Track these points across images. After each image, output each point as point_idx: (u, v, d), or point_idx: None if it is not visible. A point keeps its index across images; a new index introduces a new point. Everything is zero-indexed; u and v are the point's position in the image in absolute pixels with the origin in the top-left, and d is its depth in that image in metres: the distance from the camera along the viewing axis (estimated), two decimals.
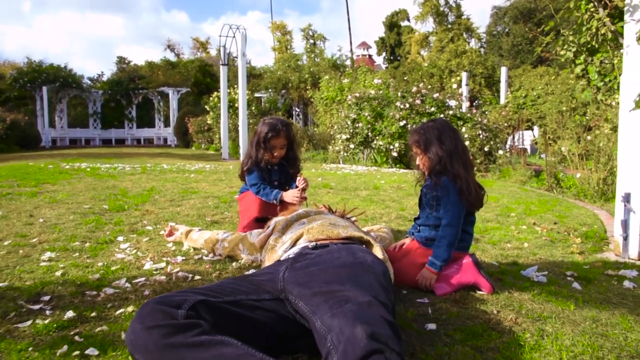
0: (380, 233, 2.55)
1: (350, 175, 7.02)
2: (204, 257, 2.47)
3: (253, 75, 20.63)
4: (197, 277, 2.14)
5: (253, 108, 14.75)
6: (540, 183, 6.33)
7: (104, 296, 1.86)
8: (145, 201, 4.20)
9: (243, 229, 2.75)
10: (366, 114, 9.31)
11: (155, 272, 2.19)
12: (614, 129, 4.66)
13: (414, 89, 9.39)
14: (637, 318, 1.76)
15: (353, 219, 2.40)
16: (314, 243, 1.76)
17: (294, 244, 1.86)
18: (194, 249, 2.62)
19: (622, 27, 2.79)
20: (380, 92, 9.92)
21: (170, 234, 2.82)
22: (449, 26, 33.67)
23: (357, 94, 9.92)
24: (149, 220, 3.36)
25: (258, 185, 2.81)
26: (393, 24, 37.88)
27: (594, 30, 3.02)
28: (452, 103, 9.46)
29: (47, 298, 1.82)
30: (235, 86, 13.17)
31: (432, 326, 1.63)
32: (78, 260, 2.36)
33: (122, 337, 1.47)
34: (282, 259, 1.77)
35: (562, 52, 3.34)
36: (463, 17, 34.34)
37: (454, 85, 12.32)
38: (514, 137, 10.51)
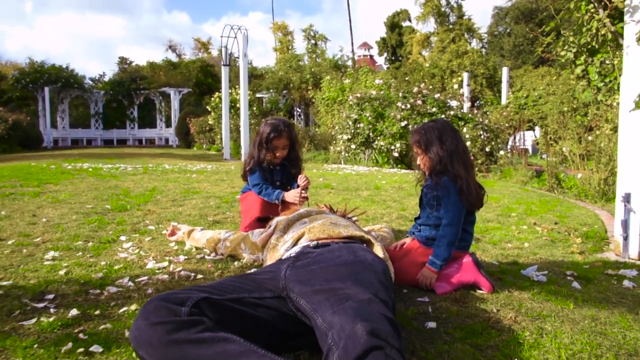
0: (381, 232, 2.57)
1: (352, 175, 7.04)
2: (206, 257, 2.49)
3: (254, 76, 20.66)
4: (199, 276, 2.16)
5: (254, 108, 14.77)
6: (542, 183, 6.34)
7: (107, 295, 1.88)
8: (147, 201, 4.22)
9: (245, 229, 2.77)
10: (367, 115, 9.33)
11: (157, 271, 2.21)
12: (615, 130, 4.67)
13: (415, 89, 9.40)
14: (636, 317, 1.77)
15: (354, 218, 2.41)
16: (315, 242, 1.78)
17: (295, 243, 1.88)
18: (196, 248, 2.64)
19: (622, 27, 2.81)
20: (382, 92, 9.94)
21: (173, 233, 2.84)
22: (451, 26, 33.68)
23: (359, 95, 9.94)
24: (151, 220, 3.38)
25: (260, 185, 2.83)
26: (394, 24, 37.90)
27: (594, 31, 3.03)
28: (454, 103, 9.47)
29: (51, 296, 1.83)
30: (237, 86, 13.21)
31: (432, 324, 1.65)
32: (81, 259, 2.38)
33: (126, 335, 1.49)
34: (283, 257, 1.78)
35: (563, 53, 3.35)
36: (464, 17, 34.35)
37: (455, 86, 12.32)
38: (515, 138, 10.52)
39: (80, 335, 1.49)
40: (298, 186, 2.78)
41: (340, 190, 5.22)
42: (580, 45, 3.23)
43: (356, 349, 1.02)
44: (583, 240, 3.13)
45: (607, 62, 3.71)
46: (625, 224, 2.76)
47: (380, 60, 38.99)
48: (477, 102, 17.37)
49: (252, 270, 2.19)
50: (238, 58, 10.90)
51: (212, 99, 15.30)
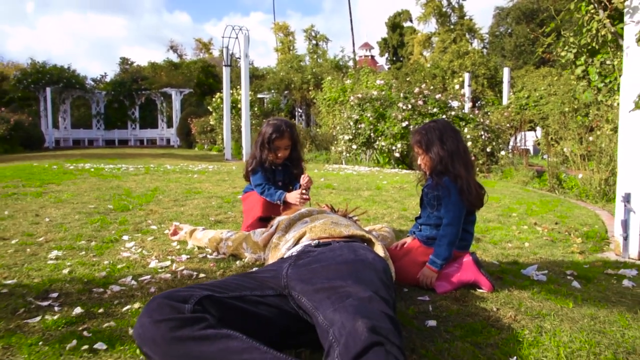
0: (382, 232, 2.58)
1: (353, 175, 7.05)
2: (208, 256, 2.50)
3: (256, 76, 20.68)
4: (201, 275, 2.17)
5: (256, 109, 14.79)
6: (542, 184, 6.35)
7: (110, 293, 1.90)
8: (149, 201, 4.24)
9: (247, 228, 2.78)
10: (368, 115, 9.34)
11: (160, 270, 2.22)
12: (615, 130, 4.68)
13: (417, 89, 9.42)
14: (635, 316, 1.78)
15: (355, 218, 2.43)
16: (316, 241, 1.80)
17: (297, 242, 1.90)
18: (198, 247, 2.66)
19: (622, 28, 2.82)
20: (383, 93, 9.95)
21: (175, 233, 2.85)
22: (452, 27, 33.68)
23: (360, 95, 9.95)
24: (153, 220, 3.40)
25: (263, 185, 2.85)
26: (395, 24, 37.90)
27: (594, 31, 3.04)
28: (455, 104, 9.48)
29: (55, 295, 1.85)
30: (238, 87, 13.22)
31: (432, 323, 1.66)
32: (84, 258, 2.40)
33: (130, 333, 1.50)
34: (285, 256, 1.80)
35: (563, 54, 3.36)
36: (465, 17, 34.34)
37: (457, 86, 12.33)
38: (516, 138, 10.52)
39: (85, 333, 1.50)
40: (300, 186, 2.80)
41: (342, 190, 5.24)
42: (580, 45, 3.25)
43: (357, 346, 1.04)
44: (583, 240, 3.14)
45: (608, 62, 3.72)
46: (625, 224, 2.78)
47: (382, 61, 39.02)
48: (478, 102, 17.37)
49: (254, 269, 2.21)
50: (239, 58, 10.93)
51: (214, 99, 15.32)
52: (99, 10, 76.69)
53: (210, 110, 15.54)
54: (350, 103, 10.09)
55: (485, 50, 30.87)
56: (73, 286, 1.97)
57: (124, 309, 1.73)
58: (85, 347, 1.39)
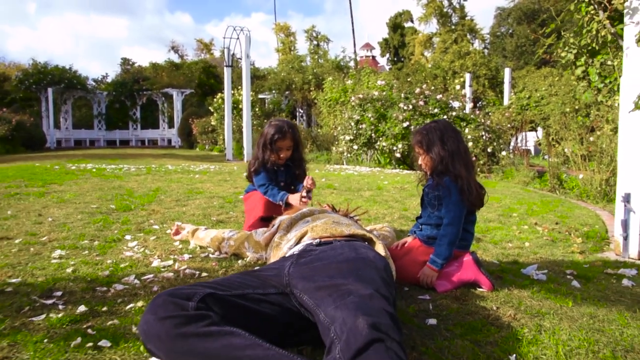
0: (382, 232, 2.60)
1: (354, 176, 7.07)
2: (210, 255, 2.52)
3: (257, 77, 20.71)
4: (204, 274, 2.19)
5: (257, 109, 14.81)
6: (543, 184, 6.36)
7: (114, 292, 1.92)
8: (151, 201, 4.26)
9: (248, 228, 2.80)
10: (369, 115, 9.36)
11: (163, 269, 2.24)
12: (615, 130, 4.69)
13: (418, 90, 9.43)
14: (634, 315, 1.80)
15: (356, 218, 2.45)
16: (318, 240, 1.81)
17: (298, 241, 1.91)
18: (201, 247, 2.68)
19: (622, 29, 2.83)
20: (384, 93, 9.97)
21: (177, 232, 2.87)
22: (453, 27, 33.67)
23: (361, 95, 9.97)
24: (155, 220, 3.42)
25: (266, 185, 2.87)
26: (396, 25, 37.90)
27: (594, 32, 3.06)
28: (456, 104, 9.49)
29: (59, 293, 1.87)
30: (239, 87, 13.25)
31: (432, 321, 1.68)
32: (88, 257, 2.42)
33: (133, 330, 1.52)
34: (287, 255, 1.82)
35: (563, 54, 3.38)
36: (467, 18, 34.34)
37: (458, 87, 12.34)
38: (517, 139, 10.53)
39: (89, 330, 1.52)
40: (304, 186, 2.82)
41: (343, 190, 5.26)
42: (580, 46, 3.26)
43: (358, 342, 1.06)
44: (583, 240, 3.15)
45: (609, 62, 3.73)
46: (625, 224, 2.79)
47: (383, 61, 39.02)
48: (479, 102, 17.37)
49: (256, 268, 2.23)
50: (240, 59, 10.95)
51: (215, 99, 15.35)
52: (101, 11, 76.83)
53: (212, 110, 15.57)
54: (352, 103, 10.11)
55: (486, 51, 30.86)
56: (77, 285, 1.99)
57: (128, 307, 1.75)
58: (90, 344, 1.41)
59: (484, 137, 8.21)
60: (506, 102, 13.35)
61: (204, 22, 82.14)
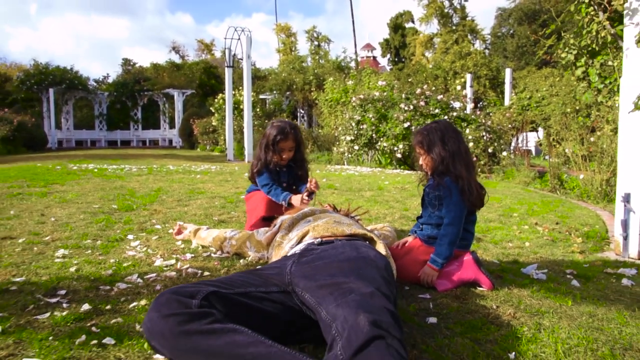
0: (383, 231, 2.62)
1: (355, 176, 7.09)
2: (212, 255, 2.54)
3: (258, 77, 20.74)
4: (206, 273, 2.21)
5: (258, 110, 14.84)
6: (544, 184, 6.37)
7: (117, 291, 1.94)
8: (153, 201, 4.28)
9: (250, 228, 2.82)
10: (370, 116, 9.38)
11: (165, 269, 2.26)
12: (615, 131, 4.71)
13: (418, 90, 9.44)
14: (633, 313, 1.81)
15: (357, 217, 2.46)
16: (319, 239, 1.83)
17: (300, 241, 1.93)
18: (203, 246, 2.69)
19: (622, 30, 2.85)
20: (385, 93, 9.98)
21: (179, 232, 2.89)
22: (454, 28, 33.67)
23: (362, 96, 9.99)
24: (157, 220, 3.44)
25: (269, 185, 2.89)
26: (397, 25, 37.92)
27: (594, 33, 3.07)
28: (457, 105, 9.50)
29: (63, 292, 1.89)
30: (240, 88, 13.27)
31: (433, 320, 1.70)
32: (91, 257, 2.44)
33: (137, 328, 1.54)
34: (288, 254, 1.83)
35: (563, 55, 3.39)
36: (468, 18, 34.35)
37: (458, 87, 12.36)
38: (518, 139, 10.54)
39: (93, 328, 1.54)
40: (307, 188, 2.84)
41: (344, 190, 5.27)
42: (580, 47, 3.28)
43: (359, 339, 1.07)
44: (584, 240, 3.16)
45: (610, 63, 3.74)
46: (625, 224, 2.80)
47: (384, 62, 39.04)
48: (480, 103, 17.38)
49: (258, 267, 2.25)
50: (242, 59, 10.98)
51: (216, 100, 15.38)
52: (102, 11, 76.90)
53: (213, 111, 15.60)
54: (352, 104, 10.12)
55: (487, 51, 30.86)
56: (80, 284, 2.01)
57: (131, 305, 1.77)
58: (94, 341, 1.43)
59: (485, 138, 8.22)
60: (507, 102, 13.36)
61: (205, 23, 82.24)
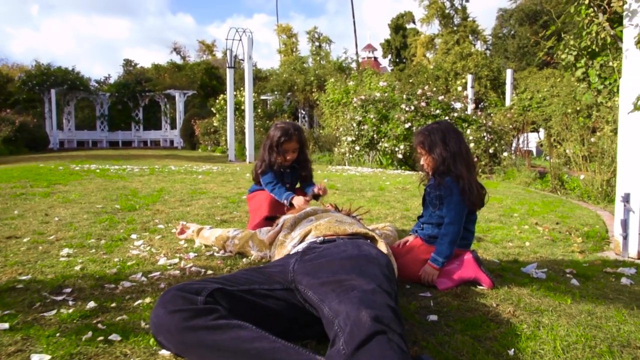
0: (384, 231, 2.64)
1: (356, 176, 7.11)
2: (215, 254, 2.57)
3: (259, 78, 20.79)
4: (209, 272, 2.23)
5: (259, 110, 14.87)
6: (545, 185, 6.39)
7: (122, 289, 1.96)
8: (155, 201, 4.30)
9: (253, 227, 2.84)
10: (371, 116, 9.40)
11: (169, 267, 2.29)
12: (616, 131, 4.73)
13: (419, 91, 9.47)
14: (631, 312, 1.83)
15: (358, 217, 2.49)
16: (321, 238, 1.85)
17: (302, 240, 1.96)
18: (206, 246, 2.72)
19: (622, 31, 2.87)
20: (386, 94, 10.01)
21: (182, 232, 2.92)
22: (455, 28, 33.70)
23: (363, 97, 10.01)
24: (160, 219, 3.46)
25: (273, 183, 2.92)
26: (399, 26, 37.95)
27: (594, 34, 3.09)
28: (458, 105, 9.53)
29: (68, 290, 1.92)
30: (242, 89, 13.31)
31: (433, 317, 1.72)
32: (95, 256, 2.47)
33: (142, 325, 1.57)
34: (291, 253, 1.86)
35: (564, 56, 3.42)
36: (469, 19, 34.37)
37: (459, 88, 12.39)
38: (518, 140, 10.56)
39: (99, 325, 1.57)
40: (312, 191, 2.89)
41: (345, 191, 5.30)
42: (580, 48, 3.30)
43: (361, 334, 1.10)
44: (584, 240, 3.18)
45: (610, 63, 3.76)
46: (625, 224, 2.82)
47: (385, 62, 39.08)
48: (481, 104, 17.40)
49: (262, 265, 2.27)
50: (243, 60, 11.01)
51: (217, 101, 15.42)
52: (103, 12, 77.03)
53: (214, 111, 15.64)
54: (354, 104, 10.15)
55: (488, 52, 30.88)
56: (85, 282, 2.03)
57: (136, 303, 1.79)
58: (101, 338, 1.46)
59: (486, 138, 8.25)
60: (508, 103, 13.37)
61: (206, 24, 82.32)
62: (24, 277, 2.07)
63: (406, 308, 1.83)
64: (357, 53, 32.34)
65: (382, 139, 9.25)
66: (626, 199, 2.80)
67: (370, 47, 40.03)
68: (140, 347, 1.41)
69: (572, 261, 2.66)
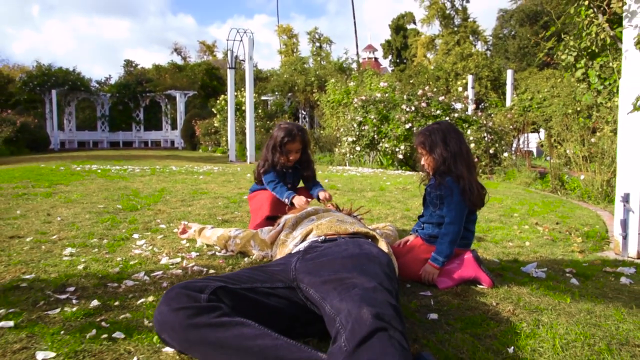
0: (385, 230, 2.66)
1: (357, 177, 7.12)
2: (217, 253, 2.58)
3: (259, 78, 20.81)
4: (211, 271, 2.25)
5: (260, 111, 14.89)
6: (545, 185, 6.40)
7: (125, 288, 1.98)
8: (157, 201, 4.32)
9: (254, 227, 2.86)
10: (372, 117, 9.42)
11: (171, 267, 2.30)
12: (616, 132, 4.74)
13: (420, 91, 9.49)
14: (630, 311, 1.84)
15: (359, 217, 2.50)
16: (323, 237, 1.87)
17: (304, 239, 1.97)
18: (207, 245, 2.74)
19: (621, 32, 2.88)
20: (386, 95, 10.02)
21: (184, 231, 2.93)
22: (455, 29, 33.73)
23: (363, 97, 10.03)
24: (162, 219, 3.48)
25: (275, 182, 2.94)
26: (399, 26, 37.99)
27: (593, 35, 3.11)
28: (458, 106, 9.55)
29: (72, 289, 1.93)
30: (242, 89, 13.33)
31: (434, 316, 1.73)
32: (98, 255, 2.48)
33: (145, 323, 1.58)
34: (293, 252, 1.87)
35: (563, 57, 3.43)
36: (469, 19, 34.40)
37: (460, 88, 12.41)
38: (519, 140, 10.57)
39: (103, 323, 1.58)
40: (318, 197, 2.92)
41: (346, 191, 5.31)
42: (580, 49, 3.32)
43: (362, 331, 1.11)
44: (584, 240, 3.20)
45: (610, 64, 3.78)
46: (625, 224, 2.83)
47: (385, 63, 39.10)
48: (482, 104, 17.41)
49: (264, 264, 2.29)
50: (243, 61, 11.03)
51: (218, 101, 15.44)
52: (104, 13, 77.09)
53: (215, 112, 15.66)
54: (354, 105, 10.17)
55: (488, 53, 30.90)
56: (88, 281, 2.05)
57: (139, 301, 1.81)
58: (105, 335, 1.47)
59: (486, 139, 8.26)
60: (508, 103, 13.38)
61: (207, 24, 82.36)
62: (27, 276, 2.09)
63: (407, 306, 1.85)
64: (357, 53, 32.36)
65: (383, 140, 9.27)
66: (626, 199, 2.81)
67: (370, 48, 40.04)
68: (143, 345, 1.43)
69: (571, 261, 2.67)
